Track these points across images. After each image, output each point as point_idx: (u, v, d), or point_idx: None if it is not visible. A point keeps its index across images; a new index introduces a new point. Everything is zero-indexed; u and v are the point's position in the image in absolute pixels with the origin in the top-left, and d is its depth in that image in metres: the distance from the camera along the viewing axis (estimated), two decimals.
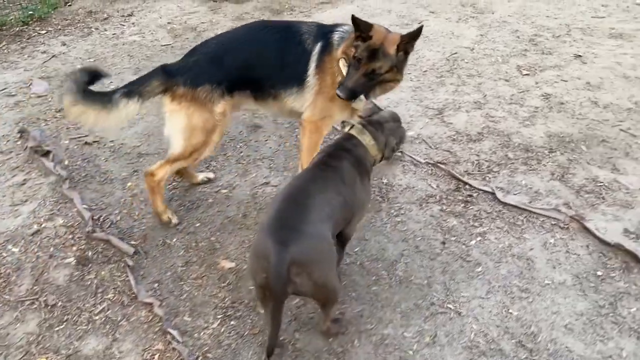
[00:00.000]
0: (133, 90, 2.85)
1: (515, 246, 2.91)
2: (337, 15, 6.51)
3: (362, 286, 2.70)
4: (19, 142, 4.00)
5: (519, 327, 2.44)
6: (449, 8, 6.31)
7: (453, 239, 2.98)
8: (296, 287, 2.04)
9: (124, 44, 5.94)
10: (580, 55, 5.05)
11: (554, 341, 2.36)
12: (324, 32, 2.98)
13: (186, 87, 2.84)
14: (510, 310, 2.53)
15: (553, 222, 3.05)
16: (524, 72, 4.85)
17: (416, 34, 2.70)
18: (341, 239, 2.55)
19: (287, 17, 6.65)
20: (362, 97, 2.86)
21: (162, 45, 5.90)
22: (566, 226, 3.01)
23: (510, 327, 2.44)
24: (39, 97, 4.72)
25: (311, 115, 3.00)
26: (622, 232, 2.96)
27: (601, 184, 3.37)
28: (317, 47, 2.94)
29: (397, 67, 2.80)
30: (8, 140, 4.03)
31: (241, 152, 3.86)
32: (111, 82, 5.00)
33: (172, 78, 2.87)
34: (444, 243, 2.95)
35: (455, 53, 5.26)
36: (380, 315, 2.53)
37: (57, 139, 4.04)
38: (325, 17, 6.50)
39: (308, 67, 2.95)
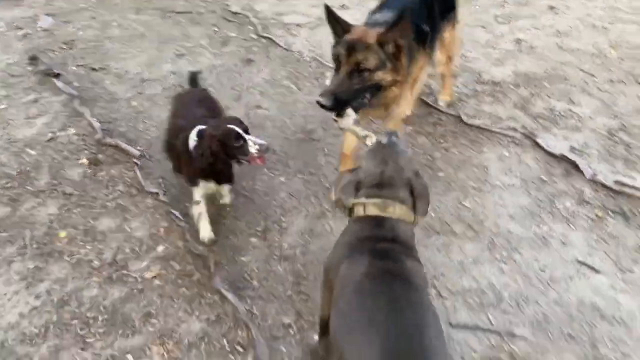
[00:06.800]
0: None
1: (474, 158, 3.33)
2: None
3: None
4: (29, 68, 4.33)
5: (470, 215, 2.88)
6: None
7: (421, 152, 3.40)
8: None
9: None
10: (553, 7, 5.41)
11: (497, 225, 2.81)
12: None
13: None
14: (463, 203, 2.96)
15: (509, 140, 3.47)
16: (501, 20, 5.21)
17: (396, 23, 2.31)
18: None
19: None
20: (350, 112, 2.34)
21: None
22: (520, 143, 3.43)
23: (462, 215, 2.88)
24: (45, 30, 5.03)
25: None
26: (568, 149, 3.39)
27: (557, 112, 3.78)
28: None
29: (391, 64, 2.38)
30: (19, 67, 4.37)
31: (236, 81, 4.23)
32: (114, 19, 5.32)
33: None
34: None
35: None
36: None
37: (65, 66, 4.38)
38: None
39: None
